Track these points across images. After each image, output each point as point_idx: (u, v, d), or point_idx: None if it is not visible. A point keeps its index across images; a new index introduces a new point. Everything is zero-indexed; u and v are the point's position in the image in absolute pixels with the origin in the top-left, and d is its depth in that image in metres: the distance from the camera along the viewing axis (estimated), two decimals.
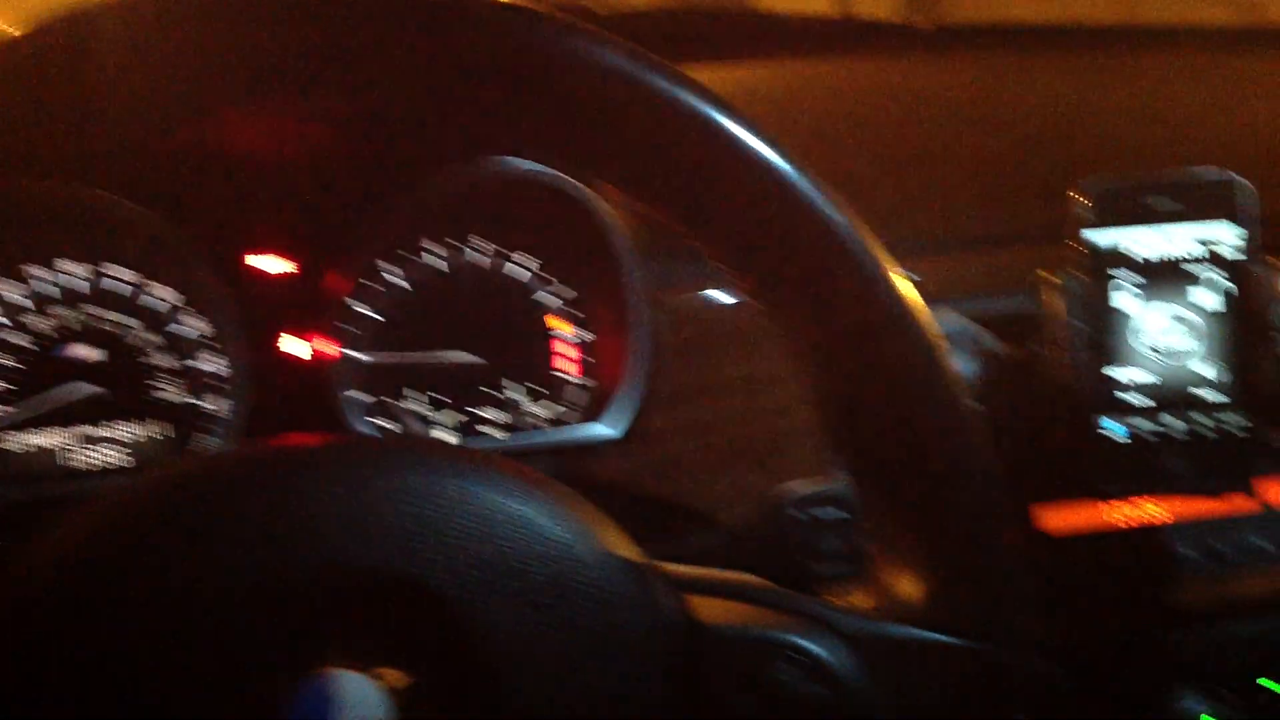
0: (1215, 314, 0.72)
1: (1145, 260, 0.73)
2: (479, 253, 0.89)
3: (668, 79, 0.49)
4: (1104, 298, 0.74)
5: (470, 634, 0.49)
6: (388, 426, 0.87)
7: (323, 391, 0.84)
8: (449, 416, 0.89)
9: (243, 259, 0.84)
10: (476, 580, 0.49)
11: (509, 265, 0.90)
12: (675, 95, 0.49)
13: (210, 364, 0.87)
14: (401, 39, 0.48)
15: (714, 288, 0.88)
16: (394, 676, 0.49)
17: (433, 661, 0.50)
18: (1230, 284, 0.72)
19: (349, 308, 0.86)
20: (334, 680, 0.47)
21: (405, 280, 0.88)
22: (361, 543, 0.48)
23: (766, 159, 0.50)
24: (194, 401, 0.87)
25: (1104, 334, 0.73)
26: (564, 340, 0.90)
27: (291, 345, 0.84)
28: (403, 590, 0.49)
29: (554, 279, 0.90)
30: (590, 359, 0.90)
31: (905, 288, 0.53)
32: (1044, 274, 0.74)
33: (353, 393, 0.86)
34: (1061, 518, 0.84)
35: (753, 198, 0.51)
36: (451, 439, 0.88)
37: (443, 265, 0.89)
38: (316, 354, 0.84)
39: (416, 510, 0.49)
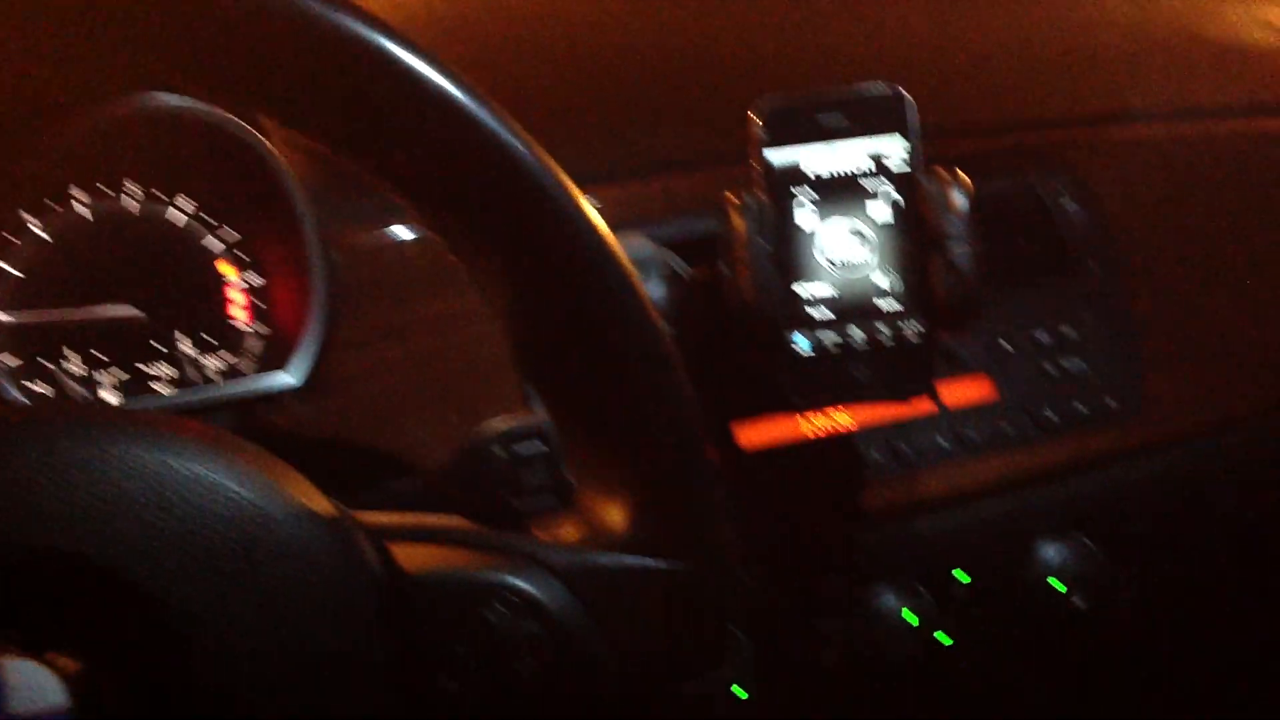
0: (888, 226, 0.74)
1: (820, 177, 0.75)
2: (131, 198, 0.82)
3: (322, 2, 0.45)
4: (784, 216, 0.75)
5: (149, 609, 0.45)
6: (43, 392, 0.80)
7: None
8: (112, 376, 0.82)
9: None
10: (151, 551, 0.45)
11: (168, 210, 0.83)
12: (333, 20, 0.45)
13: None
14: None
15: (397, 223, 0.84)
16: (68, 660, 0.45)
17: (110, 641, 0.45)
18: (900, 196, 0.74)
19: None
20: (2, 670, 0.44)
21: (48, 232, 0.80)
22: (19, 520, 0.44)
23: (438, 84, 0.48)
24: None
25: (786, 251, 0.74)
26: (234, 286, 0.84)
27: None
28: (70, 568, 0.44)
29: (219, 222, 0.84)
30: (264, 305, 0.85)
31: (591, 214, 0.52)
32: (728, 195, 0.74)
33: (3, 357, 0.78)
34: (757, 433, 0.85)
35: (426, 126, 0.49)
36: (115, 400, 0.81)
37: (95, 212, 0.81)
38: None
39: (77, 480, 0.45)
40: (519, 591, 0.52)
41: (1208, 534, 0.99)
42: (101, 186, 0.81)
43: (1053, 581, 0.92)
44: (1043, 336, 0.92)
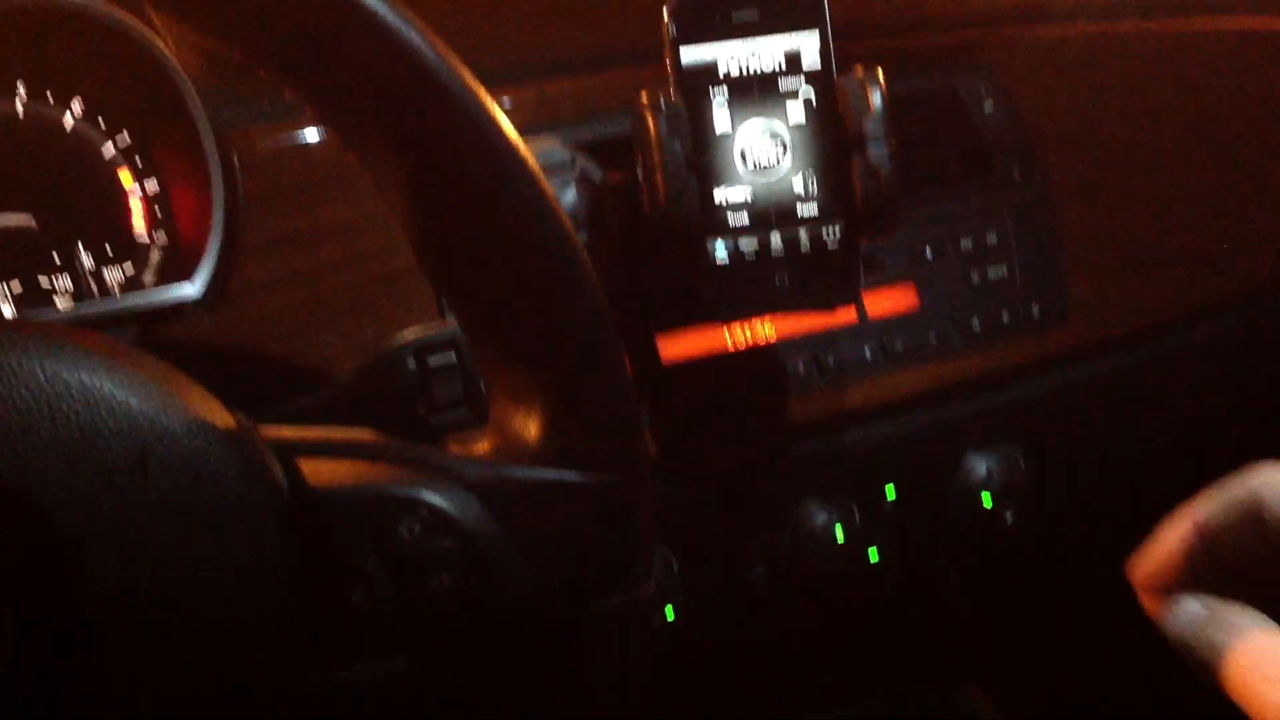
0: (805, 127, 0.73)
1: (735, 76, 0.73)
2: (19, 100, 0.78)
3: None
4: (699, 117, 0.73)
5: (38, 526, 0.43)
6: None
7: None
8: (7, 288, 0.78)
9: None
10: (41, 465, 0.43)
11: (57, 112, 0.79)
12: None
13: None
14: None
15: (303, 130, 0.81)
16: None
17: (3, 559, 0.43)
18: (816, 96, 0.73)
19: None
20: None
21: None
22: None
23: None
24: None
25: (702, 154, 0.73)
26: (133, 195, 0.81)
27: None
28: None
29: (114, 127, 0.80)
30: (163, 214, 0.81)
31: (498, 115, 0.50)
32: (642, 95, 0.72)
33: None
34: (677, 344, 0.84)
35: (327, 21, 0.46)
36: (9, 312, 0.78)
37: None
38: None
39: None
40: (431, 506, 0.51)
41: (1135, 442, 1.00)
42: None
43: (982, 497, 0.92)
44: (966, 244, 0.91)
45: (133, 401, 0.45)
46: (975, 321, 0.91)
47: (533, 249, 0.51)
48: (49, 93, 0.79)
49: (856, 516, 0.90)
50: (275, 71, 0.48)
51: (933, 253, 0.91)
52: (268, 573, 0.47)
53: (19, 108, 0.79)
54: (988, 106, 0.94)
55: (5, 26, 0.75)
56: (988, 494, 0.92)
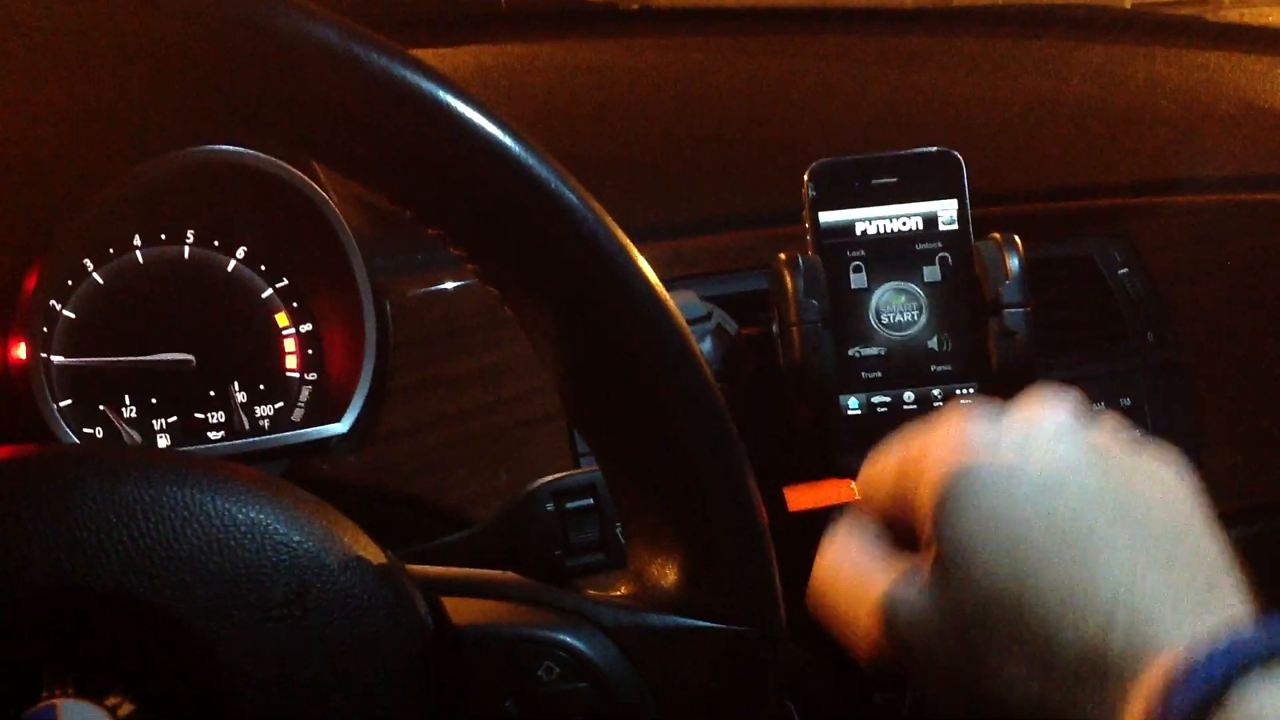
0: (941, 288, 0.74)
1: (872, 238, 0.75)
2: (188, 245, 0.83)
3: (388, 56, 0.46)
4: (835, 276, 0.75)
5: (204, 654, 0.45)
6: (99, 435, 0.80)
7: (23, 400, 0.76)
8: (165, 421, 0.82)
9: None
10: (208, 596, 0.45)
11: (221, 258, 0.84)
12: (395, 73, 0.46)
13: None
14: (95, 14, 0.43)
15: (451, 279, 0.84)
16: (124, 704, 0.45)
17: (166, 686, 0.45)
18: (953, 259, 0.74)
19: (44, 308, 0.78)
20: (59, 712, 0.43)
21: (106, 276, 0.81)
22: (78, 561, 0.44)
23: (496, 138, 0.48)
24: None
25: (837, 312, 0.74)
26: (287, 335, 0.85)
27: None
28: (127, 611, 0.44)
29: (273, 272, 0.85)
30: (314, 353, 0.85)
31: (645, 269, 0.52)
32: (781, 255, 0.74)
33: (59, 400, 0.79)
34: (807, 496, 0.84)
35: (485, 179, 0.49)
36: (163, 444, 0.82)
37: (149, 259, 0.82)
38: (11, 360, 0.76)
39: (135, 523, 0.45)
40: (570, 649, 0.52)
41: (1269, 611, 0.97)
42: (160, 234, 0.82)
43: None
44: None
45: (295, 538, 0.47)
46: None
47: (676, 397, 0.52)
48: (216, 240, 0.84)
49: None
50: (442, 229, 0.51)
51: None
52: (411, 709, 0.48)
53: (186, 252, 0.83)
54: (1122, 273, 0.94)
55: (182, 179, 0.80)
56: None
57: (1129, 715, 0.39)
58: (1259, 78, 1.13)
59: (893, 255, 0.74)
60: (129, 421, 0.81)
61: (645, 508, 0.55)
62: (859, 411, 0.74)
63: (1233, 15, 1.51)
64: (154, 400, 0.82)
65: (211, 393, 0.83)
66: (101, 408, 0.81)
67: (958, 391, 0.73)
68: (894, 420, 0.74)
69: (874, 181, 0.75)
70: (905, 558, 0.48)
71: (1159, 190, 1.00)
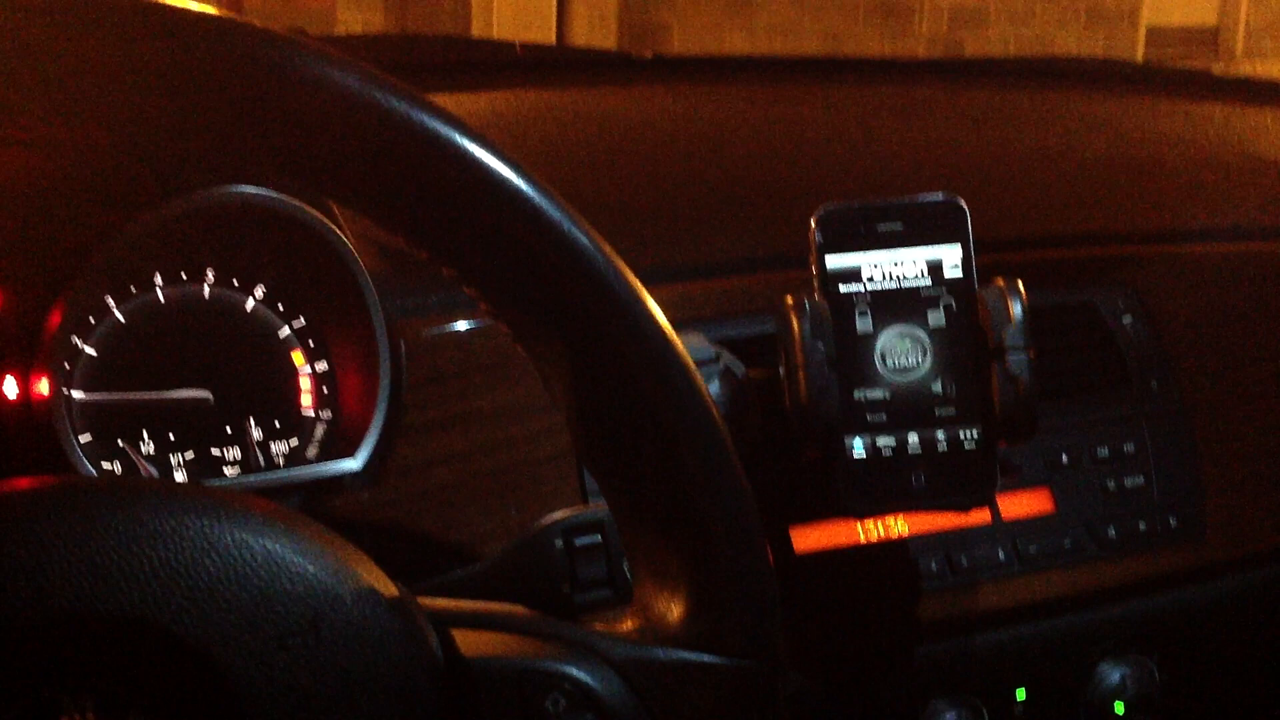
0: (946, 333, 0.75)
1: (878, 283, 0.76)
2: (208, 284, 0.85)
3: (407, 101, 0.48)
4: (842, 320, 0.76)
5: (218, 680, 0.46)
6: (117, 469, 0.82)
7: (45, 434, 0.77)
8: (182, 457, 0.84)
9: None
10: (223, 623, 0.47)
11: (240, 296, 0.85)
12: (410, 117, 0.48)
13: None
14: (122, 58, 0.45)
15: (464, 320, 0.86)
16: None
17: (181, 710, 0.46)
18: (957, 304, 0.75)
19: (66, 344, 0.80)
20: None
21: (127, 314, 0.83)
22: (98, 588, 0.45)
23: (510, 180, 0.50)
24: None
25: (843, 355, 0.75)
26: (302, 374, 0.86)
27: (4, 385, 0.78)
28: (147, 637, 0.46)
29: (291, 311, 0.86)
30: (329, 391, 0.87)
31: (654, 310, 0.53)
32: (787, 298, 0.75)
33: (79, 435, 0.81)
34: (812, 537, 0.86)
35: (498, 221, 0.50)
36: (180, 479, 0.83)
37: (169, 297, 0.84)
38: (33, 395, 0.78)
39: (155, 552, 0.46)
40: (577, 682, 0.53)
41: (1272, 660, 0.98)
42: (179, 271, 0.84)
43: (1116, 706, 0.90)
44: (1102, 451, 0.92)
45: (309, 569, 0.48)
46: (1111, 530, 0.91)
47: (684, 436, 0.54)
48: (235, 279, 0.85)
49: (986, 718, 0.89)
50: (456, 269, 0.52)
51: (1069, 459, 0.91)
52: None
53: (206, 291, 0.85)
54: (1125, 320, 0.95)
55: (203, 218, 0.81)
56: (1121, 703, 0.91)
57: None
58: (1264, 130, 1.14)
59: (898, 300, 0.76)
60: (147, 457, 0.83)
61: (652, 545, 0.56)
62: (863, 454, 0.75)
63: (1245, 67, 1.53)
64: (171, 436, 0.83)
65: (228, 429, 0.85)
66: (120, 443, 0.82)
67: (961, 435, 0.74)
68: (898, 462, 0.75)
69: (880, 227, 0.76)
70: None
71: (1164, 239, 1.02)
